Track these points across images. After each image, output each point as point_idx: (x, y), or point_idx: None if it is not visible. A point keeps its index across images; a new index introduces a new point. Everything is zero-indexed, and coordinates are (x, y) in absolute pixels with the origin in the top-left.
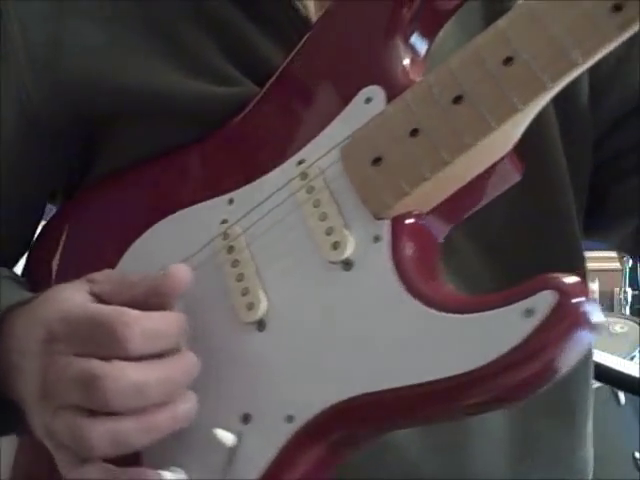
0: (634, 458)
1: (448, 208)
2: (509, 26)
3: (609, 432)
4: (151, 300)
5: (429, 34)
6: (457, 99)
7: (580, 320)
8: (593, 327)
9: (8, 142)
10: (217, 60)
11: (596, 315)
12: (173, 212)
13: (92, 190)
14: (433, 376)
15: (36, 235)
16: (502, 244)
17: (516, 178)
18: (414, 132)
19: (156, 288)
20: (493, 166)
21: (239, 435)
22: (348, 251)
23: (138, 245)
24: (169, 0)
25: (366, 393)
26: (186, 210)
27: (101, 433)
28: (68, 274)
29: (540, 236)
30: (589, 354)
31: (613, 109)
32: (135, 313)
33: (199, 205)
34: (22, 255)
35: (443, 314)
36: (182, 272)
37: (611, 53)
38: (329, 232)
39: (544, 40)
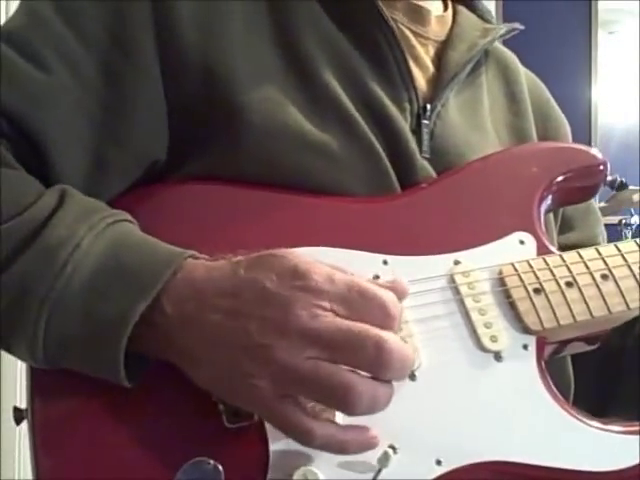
0: None
1: (561, 344)
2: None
3: None
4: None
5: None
6: (604, 277)
7: None
8: None
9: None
10: (343, 102)
11: None
12: (333, 245)
13: (244, 183)
14: (562, 464)
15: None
16: None
17: (595, 345)
18: (569, 284)
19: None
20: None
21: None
22: (502, 346)
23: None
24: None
25: (505, 461)
26: (347, 251)
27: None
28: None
29: None
30: None
31: None
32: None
33: (357, 252)
34: None
35: (579, 423)
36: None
37: None
38: (488, 326)
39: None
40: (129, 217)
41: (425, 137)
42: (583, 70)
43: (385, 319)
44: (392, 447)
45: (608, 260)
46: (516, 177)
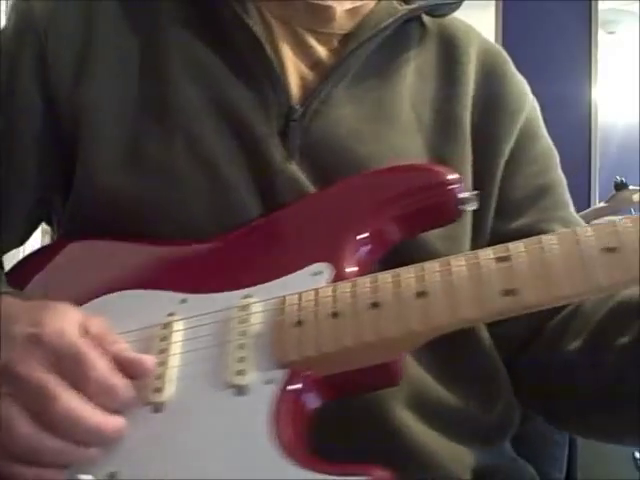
0: (634, 458)
1: (334, 382)
2: (423, 268)
3: None
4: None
5: (376, 251)
6: (374, 305)
7: None
8: None
9: (26, 113)
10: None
11: None
12: (137, 288)
13: (84, 238)
14: None
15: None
16: None
17: (394, 383)
18: (335, 315)
19: (131, 361)
20: (383, 364)
21: None
22: (245, 382)
23: (100, 300)
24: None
25: None
26: (147, 291)
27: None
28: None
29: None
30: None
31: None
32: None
33: (157, 292)
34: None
35: (290, 464)
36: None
37: None
38: (241, 360)
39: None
40: None
41: (293, 138)
42: (583, 70)
43: (79, 379)
44: (113, 474)
45: (380, 287)
46: (335, 209)
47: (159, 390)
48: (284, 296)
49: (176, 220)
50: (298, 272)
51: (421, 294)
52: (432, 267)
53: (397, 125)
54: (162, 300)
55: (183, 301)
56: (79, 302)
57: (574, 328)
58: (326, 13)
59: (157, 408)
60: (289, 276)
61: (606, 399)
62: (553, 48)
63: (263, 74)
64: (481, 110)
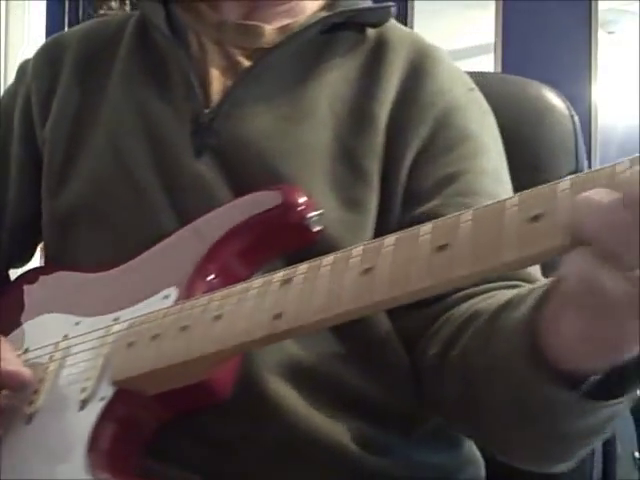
0: (634, 458)
1: (162, 400)
2: (229, 293)
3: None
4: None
5: (227, 279)
6: (183, 328)
7: None
8: None
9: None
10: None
11: None
12: (51, 312)
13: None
14: None
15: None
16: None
17: (220, 398)
18: (154, 337)
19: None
20: (204, 383)
21: None
22: (86, 396)
23: (23, 326)
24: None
25: None
26: (56, 315)
27: None
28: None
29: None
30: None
31: None
32: None
33: (64, 315)
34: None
35: (88, 476)
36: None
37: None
38: (88, 378)
39: (237, 312)
40: None
41: (202, 139)
42: (583, 70)
43: None
44: None
45: (194, 310)
46: (192, 241)
47: (32, 403)
48: (132, 318)
49: (105, 226)
50: (154, 296)
51: (218, 317)
52: (234, 291)
53: (309, 123)
54: (63, 322)
55: (77, 323)
56: (13, 325)
57: (443, 331)
58: (255, 31)
59: (28, 420)
60: (147, 300)
61: (460, 407)
62: (553, 48)
63: (182, 87)
64: (398, 106)
